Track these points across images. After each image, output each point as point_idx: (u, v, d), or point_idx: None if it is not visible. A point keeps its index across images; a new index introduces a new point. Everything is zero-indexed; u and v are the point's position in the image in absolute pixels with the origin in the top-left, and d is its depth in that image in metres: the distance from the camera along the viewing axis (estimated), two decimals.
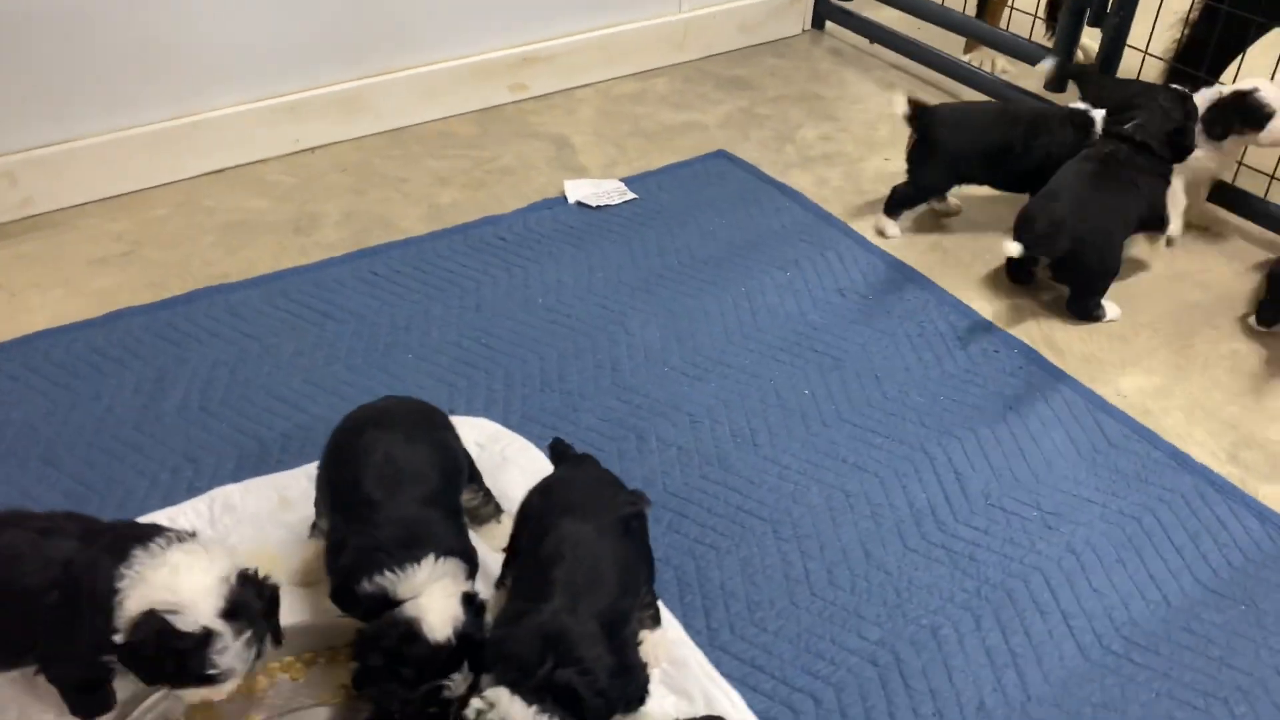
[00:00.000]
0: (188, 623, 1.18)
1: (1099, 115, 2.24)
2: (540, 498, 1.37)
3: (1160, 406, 1.95)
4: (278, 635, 1.30)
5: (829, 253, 2.30)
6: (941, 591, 1.58)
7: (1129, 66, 2.60)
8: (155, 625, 1.18)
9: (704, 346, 2.04)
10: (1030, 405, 1.92)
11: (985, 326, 2.11)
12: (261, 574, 1.29)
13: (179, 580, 1.21)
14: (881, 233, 2.38)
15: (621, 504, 1.34)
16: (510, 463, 1.73)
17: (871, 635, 1.51)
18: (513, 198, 2.47)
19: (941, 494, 1.74)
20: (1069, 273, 2.13)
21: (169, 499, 1.65)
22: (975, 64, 3.00)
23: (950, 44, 3.09)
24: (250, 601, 1.24)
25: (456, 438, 1.50)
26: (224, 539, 1.58)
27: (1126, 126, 2.13)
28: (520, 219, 2.39)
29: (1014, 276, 2.24)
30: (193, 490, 1.68)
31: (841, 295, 2.18)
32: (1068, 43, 2.66)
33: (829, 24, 3.35)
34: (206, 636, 1.18)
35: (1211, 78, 2.38)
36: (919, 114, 2.28)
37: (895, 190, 2.37)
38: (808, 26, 3.35)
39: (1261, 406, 1.95)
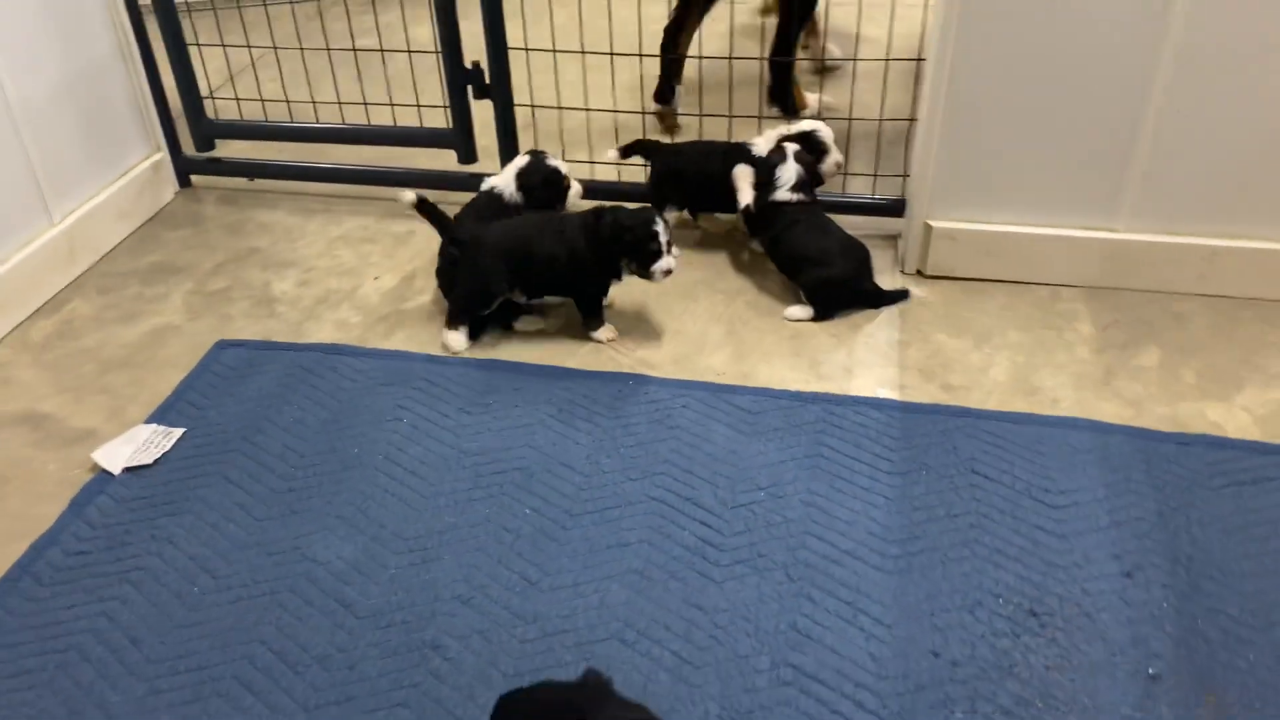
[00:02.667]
0: None
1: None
2: None
3: (748, 366, 2.33)
4: None
5: (418, 382, 2.28)
6: (774, 598, 1.76)
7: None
8: None
9: (404, 529, 1.92)
10: (680, 417, 2.16)
11: (592, 376, 2.30)
12: None
13: None
14: (447, 347, 2.41)
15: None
16: None
17: (762, 665, 1.66)
18: (38, 507, 1.99)
19: (695, 522, 1.91)
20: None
21: None
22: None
23: (318, 153, 3.12)
24: None
25: None
26: None
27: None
28: (71, 529, 1.94)
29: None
30: None
31: (468, 413, 2.19)
32: (462, 120, 2.89)
33: (195, 179, 3.15)
34: None
35: None
36: (449, 245, 2.40)
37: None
38: (178, 189, 3.11)
39: (788, 325, 2.44)
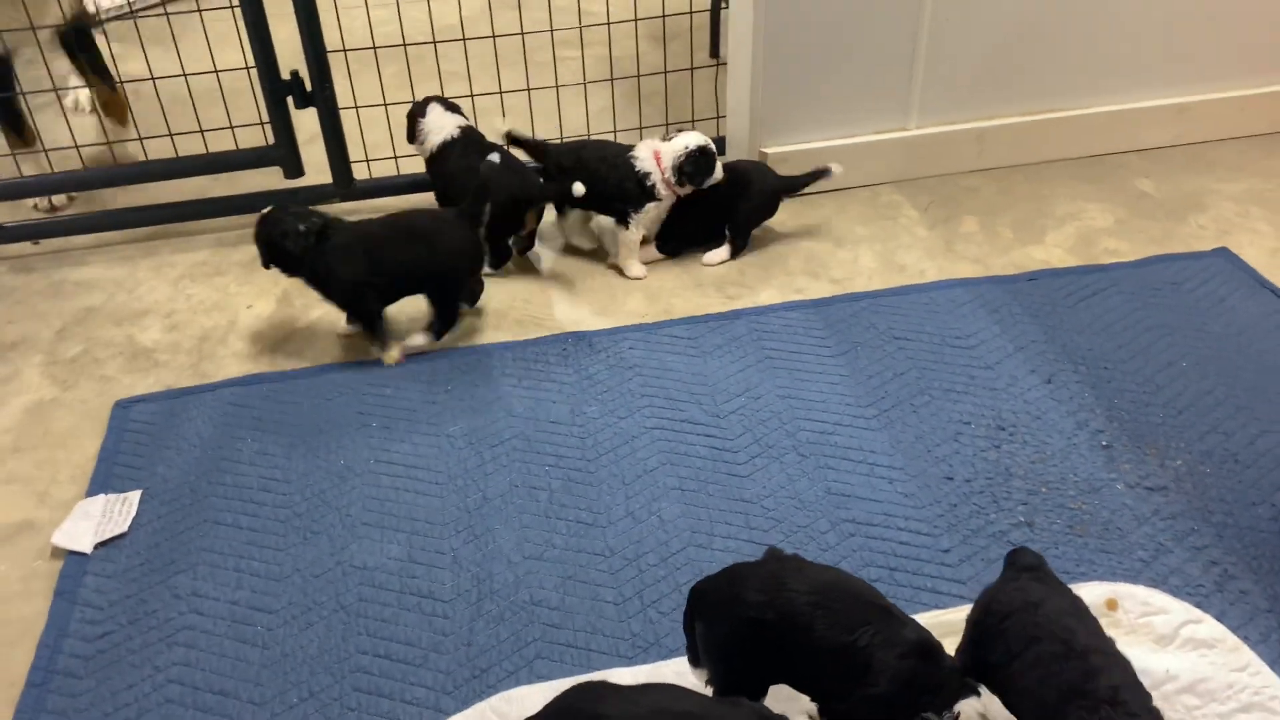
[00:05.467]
0: None
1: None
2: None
3: (663, 303, 2.50)
4: None
5: (363, 389, 2.24)
6: (800, 475, 1.97)
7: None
8: None
9: (439, 517, 1.92)
10: (632, 357, 2.29)
11: (530, 344, 2.36)
12: None
13: None
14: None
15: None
16: None
17: (822, 527, 1.87)
18: (16, 609, 1.78)
19: (699, 436, 2.07)
20: None
21: None
22: None
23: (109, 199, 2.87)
24: None
25: None
26: None
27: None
28: (75, 616, 1.76)
29: None
30: None
31: (434, 403, 2.19)
32: (286, 131, 2.79)
33: None
34: None
35: None
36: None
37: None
38: None
39: (681, 263, 2.65)
